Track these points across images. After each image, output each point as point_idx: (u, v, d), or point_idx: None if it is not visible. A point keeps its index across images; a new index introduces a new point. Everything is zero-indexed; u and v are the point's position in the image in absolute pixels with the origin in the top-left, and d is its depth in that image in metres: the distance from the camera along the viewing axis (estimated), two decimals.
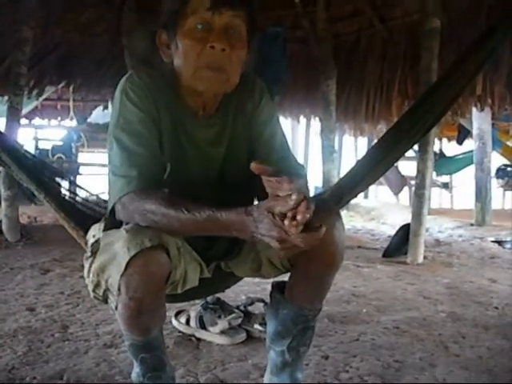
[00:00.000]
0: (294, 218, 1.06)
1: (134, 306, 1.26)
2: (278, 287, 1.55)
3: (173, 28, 1.39)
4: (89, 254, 1.36)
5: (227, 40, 1.34)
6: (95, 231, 1.44)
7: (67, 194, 2.32)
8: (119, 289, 1.24)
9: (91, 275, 1.33)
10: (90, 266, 1.34)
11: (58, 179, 2.52)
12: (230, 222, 1.16)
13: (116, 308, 1.30)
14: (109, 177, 1.39)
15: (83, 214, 2.16)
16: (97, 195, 2.21)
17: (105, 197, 1.66)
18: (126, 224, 1.31)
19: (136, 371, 1.46)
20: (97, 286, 1.33)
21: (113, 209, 1.34)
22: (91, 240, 1.41)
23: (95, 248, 1.33)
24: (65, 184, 2.58)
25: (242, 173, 1.47)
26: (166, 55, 1.45)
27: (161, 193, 1.28)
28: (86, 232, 1.58)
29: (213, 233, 1.23)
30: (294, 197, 1.05)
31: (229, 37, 1.35)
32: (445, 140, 10.67)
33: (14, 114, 4.26)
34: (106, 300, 1.34)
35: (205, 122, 1.50)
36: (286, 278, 1.53)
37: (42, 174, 2.33)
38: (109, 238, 1.31)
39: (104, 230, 1.38)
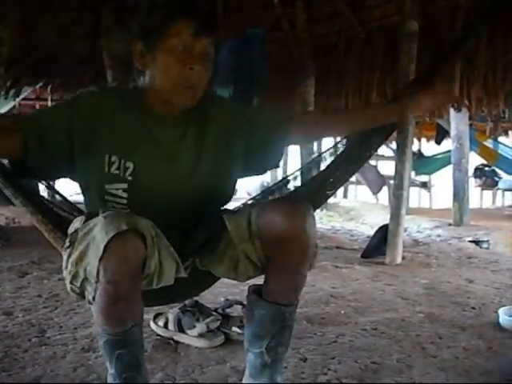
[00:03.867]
0: None
1: (112, 291, 1.29)
2: (254, 290, 1.58)
3: (153, 43, 1.50)
4: (67, 244, 1.41)
5: (203, 63, 1.50)
6: (77, 223, 1.50)
7: (45, 196, 2.31)
8: (97, 274, 1.27)
9: (69, 265, 1.38)
10: (69, 257, 1.38)
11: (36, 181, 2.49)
12: None
13: (93, 298, 1.33)
14: None
15: (61, 217, 2.15)
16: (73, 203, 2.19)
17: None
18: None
19: (111, 373, 1.46)
20: (75, 276, 1.37)
21: None
22: (71, 231, 1.47)
23: (73, 238, 1.39)
24: (43, 186, 2.54)
25: (218, 177, 1.62)
26: (139, 63, 1.55)
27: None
28: (63, 233, 1.62)
29: None
30: None
31: (203, 60, 1.50)
32: (423, 140, 10.79)
33: None
34: (82, 293, 1.38)
35: (170, 123, 1.59)
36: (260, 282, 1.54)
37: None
38: (87, 227, 1.36)
39: (85, 222, 1.43)
